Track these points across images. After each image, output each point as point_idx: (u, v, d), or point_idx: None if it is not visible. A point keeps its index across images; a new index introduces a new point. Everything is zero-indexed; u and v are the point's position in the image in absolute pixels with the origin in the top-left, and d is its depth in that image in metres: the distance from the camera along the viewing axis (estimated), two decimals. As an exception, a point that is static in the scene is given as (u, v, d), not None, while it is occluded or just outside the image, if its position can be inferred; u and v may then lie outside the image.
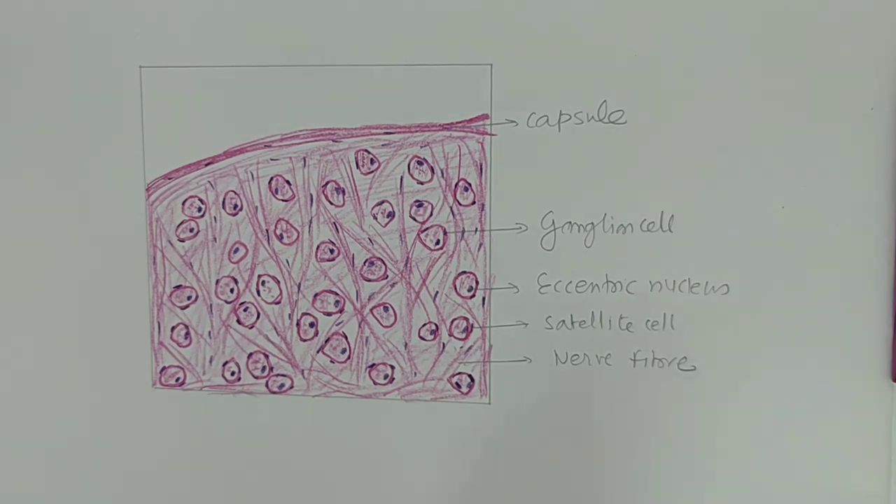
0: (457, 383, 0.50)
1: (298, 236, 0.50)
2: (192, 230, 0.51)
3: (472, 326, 0.49)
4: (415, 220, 0.49)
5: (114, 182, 0.51)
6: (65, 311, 0.52)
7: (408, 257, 0.49)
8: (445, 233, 0.49)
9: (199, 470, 0.52)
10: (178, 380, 0.52)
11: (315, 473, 0.51)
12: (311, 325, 0.50)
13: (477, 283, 0.49)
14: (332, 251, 0.50)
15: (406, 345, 0.50)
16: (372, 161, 0.49)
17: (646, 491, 0.49)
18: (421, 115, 0.48)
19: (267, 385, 0.51)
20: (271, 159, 0.50)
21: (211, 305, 0.51)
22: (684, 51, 0.46)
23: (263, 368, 0.51)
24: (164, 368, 0.52)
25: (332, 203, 0.49)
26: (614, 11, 0.46)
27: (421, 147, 0.48)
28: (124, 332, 0.52)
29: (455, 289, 0.49)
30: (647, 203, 0.47)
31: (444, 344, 0.50)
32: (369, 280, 0.50)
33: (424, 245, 0.49)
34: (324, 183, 0.49)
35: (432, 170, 0.48)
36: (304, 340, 0.51)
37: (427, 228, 0.49)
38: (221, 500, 0.52)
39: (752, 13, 0.45)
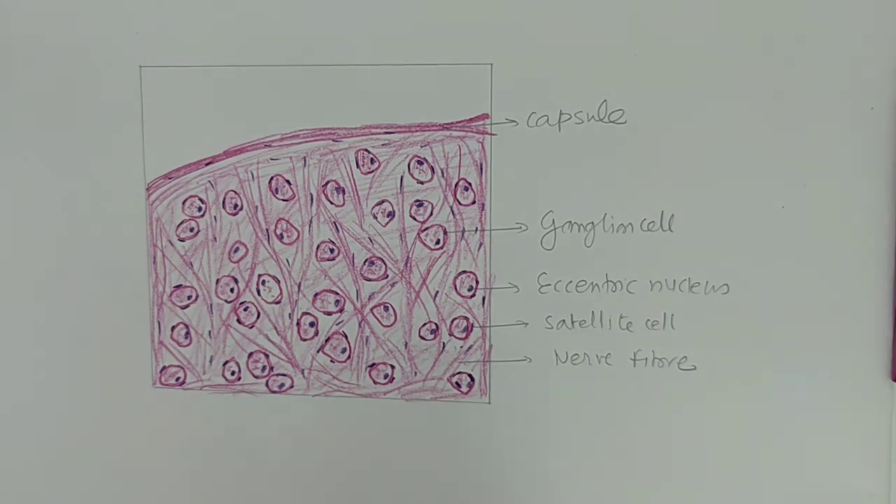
0: (457, 383, 0.50)
1: (298, 236, 0.50)
2: (192, 230, 0.51)
3: (472, 326, 0.49)
4: (415, 219, 0.49)
5: (114, 182, 0.51)
6: (65, 311, 0.52)
7: (408, 257, 0.49)
8: (445, 232, 0.49)
9: (199, 470, 0.52)
10: (178, 379, 0.52)
11: (315, 473, 0.51)
12: (312, 324, 0.50)
13: (477, 282, 0.49)
14: (332, 251, 0.50)
15: (406, 344, 0.50)
16: (372, 161, 0.49)
17: (646, 490, 0.49)
18: (421, 114, 0.48)
19: (267, 385, 0.51)
20: (271, 159, 0.50)
21: (211, 305, 0.51)
22: (684, 51, 0.46)
23: (264, 368, 0.51)
24: (164, 368, 0.52)
25: (332, 203, 0.49)
26: (614, 11, 0.46)
27: (421, 147, 0.48)
28: (124, 331, 0.52)
29: (455, 288, 0.49)
30: (647, 203, 0.47)
31: (444, 343, 0.50)
32: (369, 280, 0.50)
33: (424, 245, 0.49)
34: (324, 182, 0.49)
35: (432, 169, 0.48)
36: (305, 340, 0.51)
37: (427, 228, 0.49)
38: (221, 499, 0.52)
39: (752, 13, 0.45)
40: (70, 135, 0.51)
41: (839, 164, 0.45)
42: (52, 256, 0.52)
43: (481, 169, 0.48)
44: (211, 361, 0.52)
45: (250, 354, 0.51)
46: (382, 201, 0.49)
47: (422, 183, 0.49)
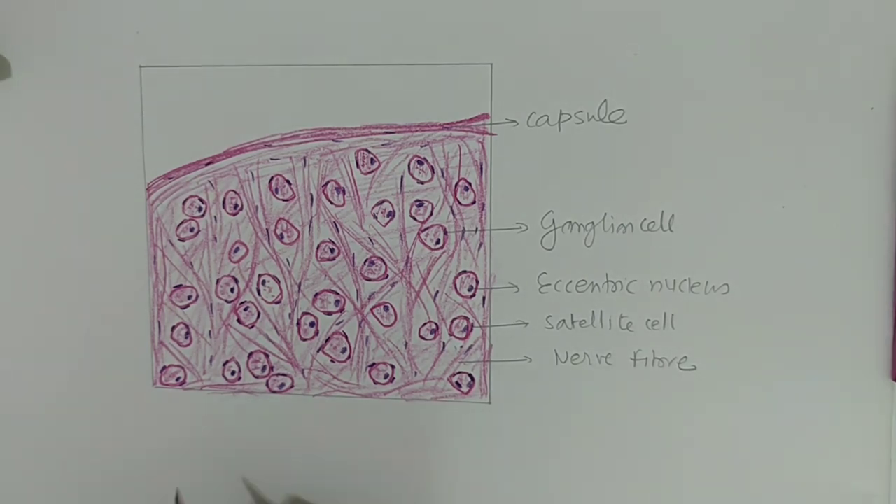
0: (457, 383, 0.50)
1: (299, 236, 0.50)
2: (192, 230, 0.51)
3: (472, 326, 0.49)
4: (415, 219, 0.49)
5: (114, 182, 0.51)
6: (65, 311, 0.52)
7: (408, 257, 0.49)
8: (446, 232, 0.49)
9: (199, 470, 0.52)
10: (178, 379, 0.52)
11: (315, 473, 0.51)
12: (312, 324, 0.50)
13: (477, 282, 0.49)
14: (332, 251, 0.50)
15: (406, 344, 0.50)
16: (372, 161, 0.49)
17: (646, 490, 0.49)
18: (421, 114, 0.48)
19: (267, 384, 0.51)
20: (271, 159, 0.50)
21: (211, 305, 0.51)
22: (684, 51, 0.46)
23: (264, 368, 0.51)
24: (164, 368, 0.52)
25: (332, 203, 0.49)
26: (614, 11, 0.46)
27: (421, 147, 0.48)
28: (124, 331, 0.52)
29: (455, 288, 0.49)
30: (647, 203, 0.47)
31: (444, 343, 0.50)
32: (369, 279, 0.50)
33: (425, 245, 0.49)
34: (324, 182, 0.49)
35: (432, 169, 0.48)
36: (305, 340, 0.51)
37: (427, 228, 0.49)
38: (221, 499, 0.52)
39: (752, 13, 0.45)
40: (70, 134, 0.51)
41: (839, 164, 0.45)
42: (52, 256, 0.52)
43: (481, 169, 0.48)
44: (211, 361, 0.52)
45: (250, 354, 0.51)
46: (382, 201, 0.49)
47: (422, 183, 0.49)
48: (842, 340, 0.46)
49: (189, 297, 0.51)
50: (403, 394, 0.50)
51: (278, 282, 0.50)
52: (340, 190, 0.49)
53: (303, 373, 0.51)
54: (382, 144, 0.49)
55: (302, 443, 0.51)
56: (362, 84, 0.48)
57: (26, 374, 0.53)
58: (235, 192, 0.50)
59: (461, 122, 0.48)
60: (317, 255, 0.50)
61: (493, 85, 0.47)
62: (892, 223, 0.45)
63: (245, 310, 0.51)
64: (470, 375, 0.50)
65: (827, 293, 0.46)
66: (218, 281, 0.51)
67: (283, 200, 0.50)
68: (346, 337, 0.50)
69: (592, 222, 0.48)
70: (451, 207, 0.49)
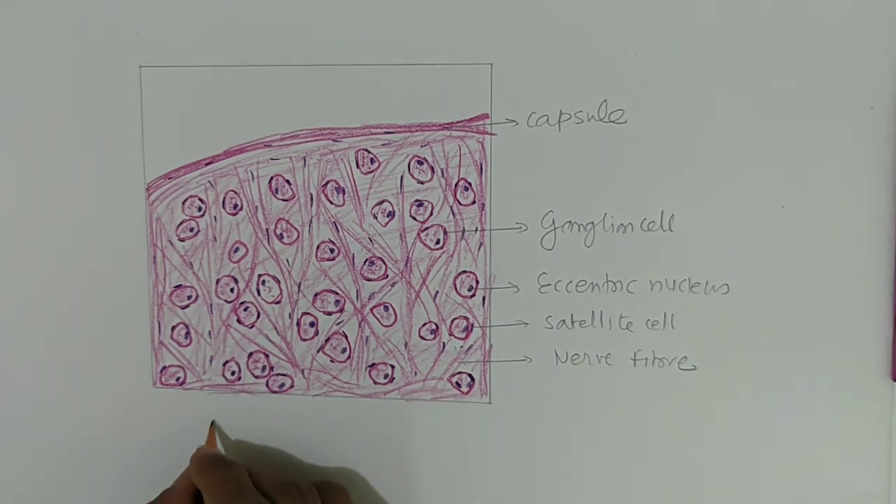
0: (457, 383, 0.50)
1: (298, 236, 0.50)
2: (192, 230, 0.51)
3: (472, 326, 0.49)
4: (415, 219, 0.49)
5: (114, 182, 0.51)
6: (65, 311, 0.52)
7: (408, 257, 0.49)
8: (445, 232, 0.49)
9: (199, 469, 0.52)
10: (178, 379, 0.52)
11: (315, 473, 0.51)
12: (312, 324, 0.50)
13: (477, 282, 0.49)
14: (332, 251, 0.50)
15: (406, 344, 0.50)
16: (372, 161, 0.49)
17: (646, 491, 0.49)
18: (421, 114, 0.48)
19: (267, 385, 0.51)
20: (271, 159, 0.50)
21: (211, 305, 0.51)
22: (684, 51, 0.46)
23: (264, 368, 0.51)
24: (164, 368, 0.52)
25: (332, 203, 0.49)
26: (614, 11, 0.46)
27: (421, 147, 0.48)
28: (124, 331, 0.52)
29: (455, 288, 0.49)
30: (647, 203, 0.47)
31: (444, 343, 0.50)
32: (369, 279, 0.50)
33: (424, 245, 0.49)
34: (324, 182, 0.49)
35: (432, 169, 0.48)
36: (305, 340, 0.51)
37: (427, 228, 0.49)
38: (221, 499, 0.52)
39: (752, 13, 0.45)
40: (70, 134, 0.51)
41: (839, 164, 0.45)
42: (52, 256, 0.52)
43: (481, 169, 0.48)
44: (211, 361, 0.52)
45: (250, 354, 0.51)
46: (382, 201, 0.49)
47: (422, 183, 0.49)
48: (842, 340, 0.46)
49: (189, 297, 0.51)
50: (403, 394, 0.50)
51: (278, 282, 0.50)
52: (340, 190, 0.49)
53: (303, 373, 0.51)
54: (382, 144, 0.49)
55: (302, 443, 0.51)
56: (362, 84, 0.48)
57: (26, 374, 0.53)
58: (235, 192, 0.50)
59: (461, 122, 0.48)
60: (317, 255, 0.50)
61: (493, 85, 0.47)
62: (892, 223, 0.45)
63: (245, 310, 0.51)
64: (470, 375, 0.50)
65: (827, 293, 0.46)
66: (218, 281, 0.51)
67: (283, 200, 0.50)
68: (346, 337, 0.50)
69: (592, 222, 0.48)
70: (451, 207, 0.49)
